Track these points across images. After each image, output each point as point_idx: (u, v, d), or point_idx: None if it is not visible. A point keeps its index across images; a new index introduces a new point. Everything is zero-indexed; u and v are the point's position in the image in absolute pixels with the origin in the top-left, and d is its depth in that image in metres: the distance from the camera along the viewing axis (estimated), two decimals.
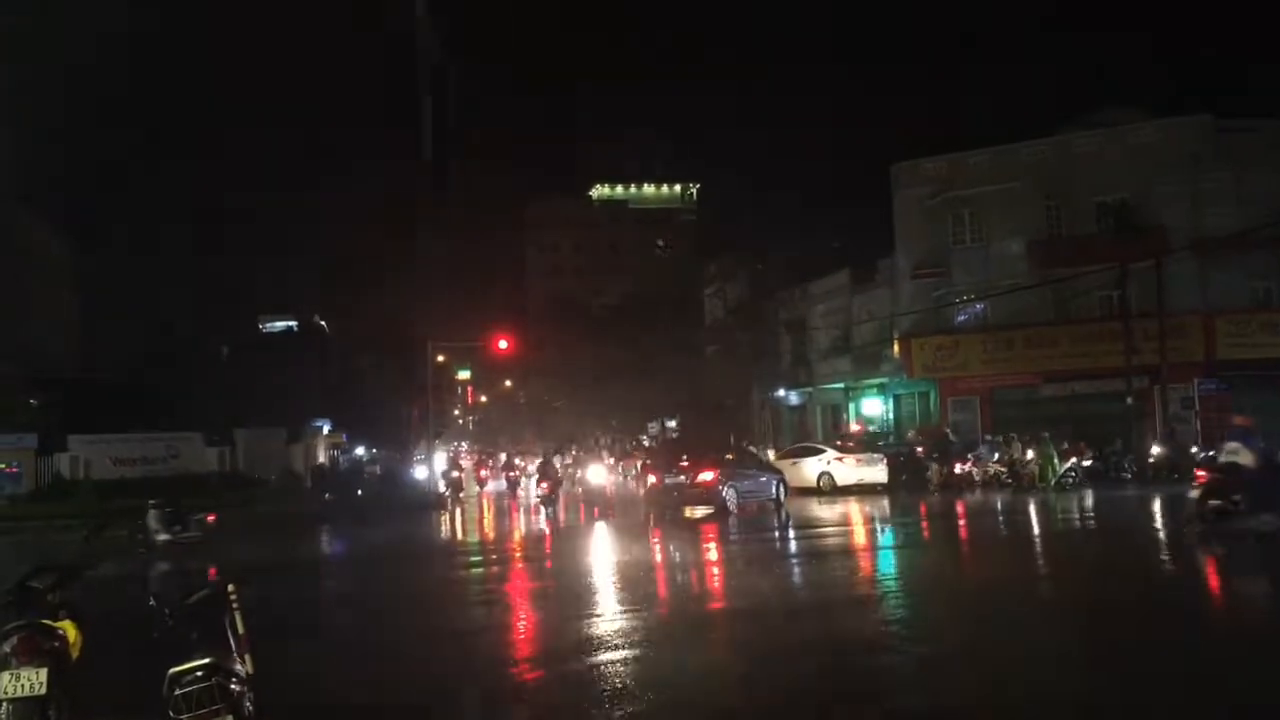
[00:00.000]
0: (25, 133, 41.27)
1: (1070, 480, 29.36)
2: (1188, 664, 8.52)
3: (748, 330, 52.19)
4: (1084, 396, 36.03)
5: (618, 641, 9.90)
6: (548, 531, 22.95)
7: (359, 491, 40.29)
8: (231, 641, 5.69)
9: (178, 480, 34.14)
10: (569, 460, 48.17)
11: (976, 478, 30.85)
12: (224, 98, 47.34)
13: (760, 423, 54.96)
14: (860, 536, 20.49)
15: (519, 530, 25.28)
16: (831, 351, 46.99)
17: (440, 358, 55.51)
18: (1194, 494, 16.61)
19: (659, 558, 17.56)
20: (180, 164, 45.00)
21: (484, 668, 9.34)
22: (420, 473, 46.05)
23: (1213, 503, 16.02)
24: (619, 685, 8.15)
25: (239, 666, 5.52)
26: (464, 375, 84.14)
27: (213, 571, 6.14)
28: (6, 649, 5.70)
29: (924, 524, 22.72)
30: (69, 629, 6.12)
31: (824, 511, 25.08)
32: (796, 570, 16.22)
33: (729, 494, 24.84)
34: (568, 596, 13.23)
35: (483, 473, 46.59)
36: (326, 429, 53.25)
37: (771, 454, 36.66)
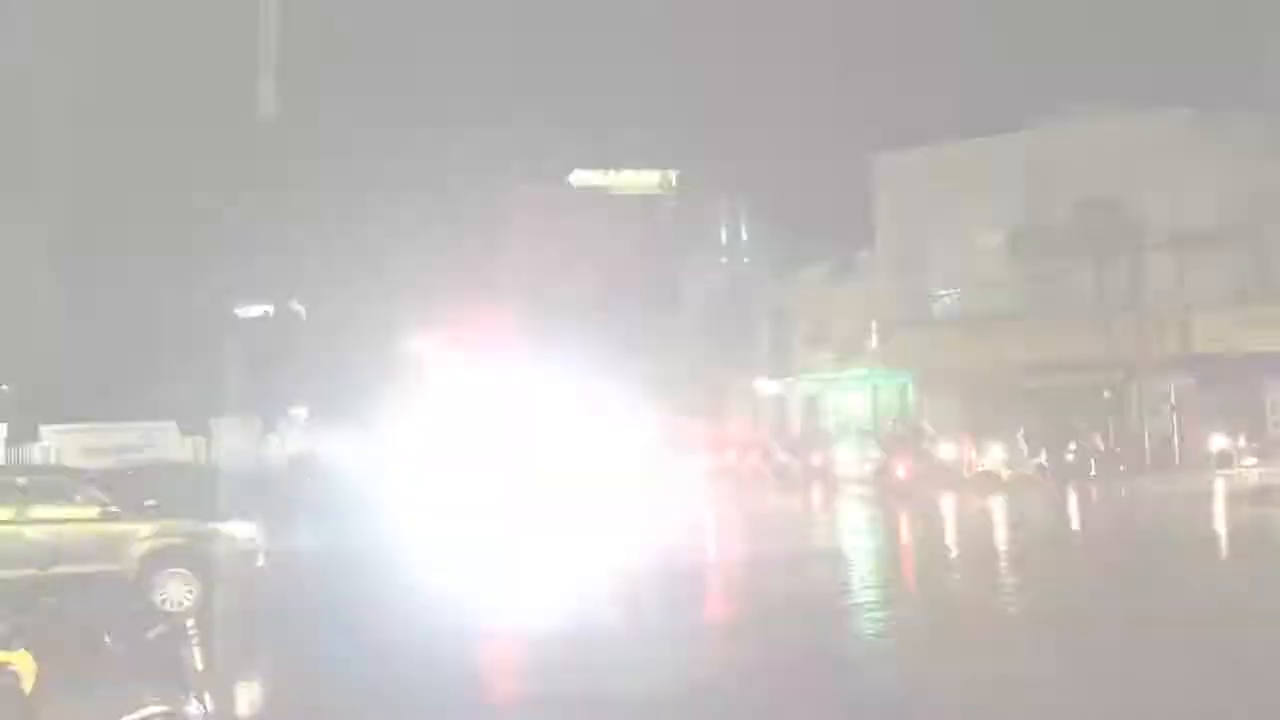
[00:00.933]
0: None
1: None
2: None
3: (727, 319, 52.11)
4: (1061, 389, 36.05)
5: None
6: None
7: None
8: (190, 679, 5.53)
9: (152, 470, 33.86)
10: None
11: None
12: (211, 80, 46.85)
13: (740, 413, 54.86)
14: None
15: None
16: (811, 343, 46.94)
17: (420, 343, 55.35)
18: None
19: None
20: (154, 148, 44.55)
21: None
22: None
23: None
24: None
25: (196, 706, 5.35)
26: (443, 360, 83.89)
27: None
28: None
29: None
30: (23, 660, 5.92)
31: None
32: None
33: None
34: None
35: None
36: (304, 417, 52.97)
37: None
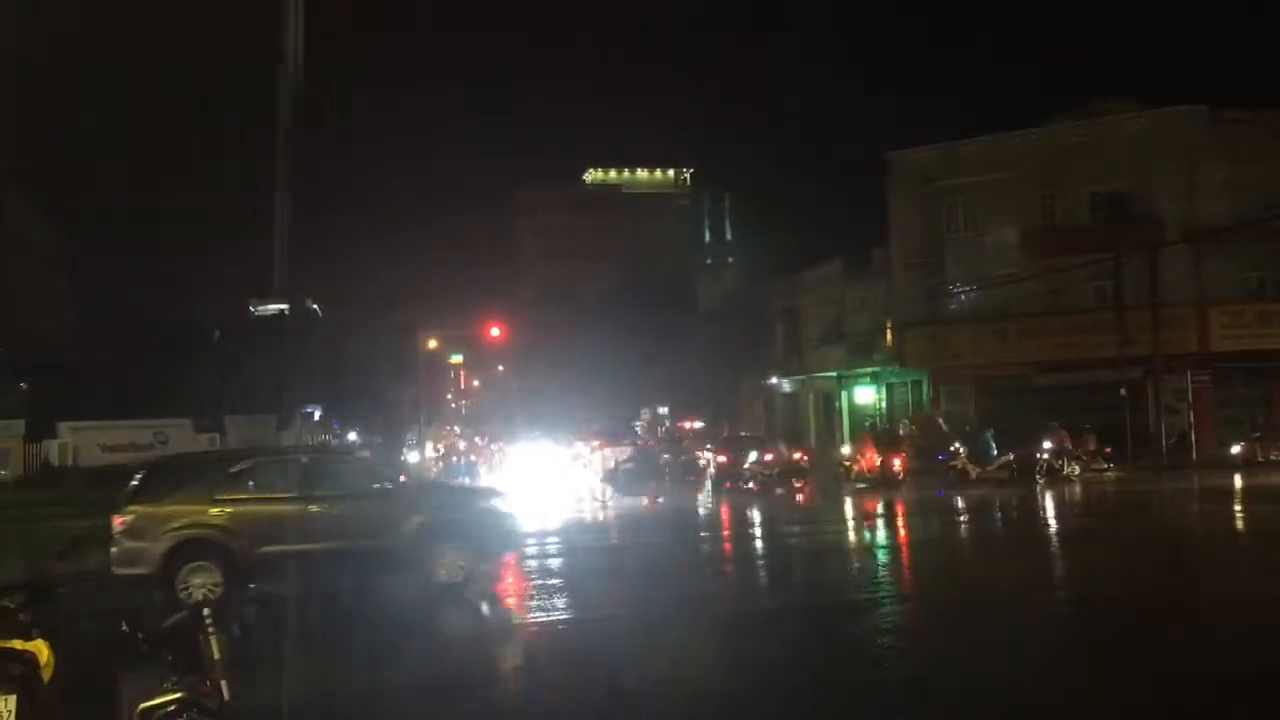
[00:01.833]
0: (18, 117, 41.08)
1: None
2: None
3: (740, 317, 52.13)
4: (1076, 387, 35.92)
5: None
6: None
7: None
8: (207, 667, 5.55)
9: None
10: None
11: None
12: (220, 84, 46.98)
13: (752, 411, 54.92)
14: None
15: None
16: (824, 340, 46.92)
17: (433, 343, 55.42)
18: None
19: None
20: (172, 149, 44.67)
21: None
22: (413, 457, 46.01)
23: None
24: None
25: (213, 696, 5.38)
26: (456, 360, 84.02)
27: None
28: None
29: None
30: (42, 650, 5.96)
31: None
32: None
33: None
34: None
35: (472, 457, 46.52)
36: (318, 415, 53.09)
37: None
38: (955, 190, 39.67)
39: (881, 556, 17.33)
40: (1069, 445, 28.86)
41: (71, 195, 42.21)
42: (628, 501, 28.51)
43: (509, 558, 15.83)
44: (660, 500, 28.57)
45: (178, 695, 5.10)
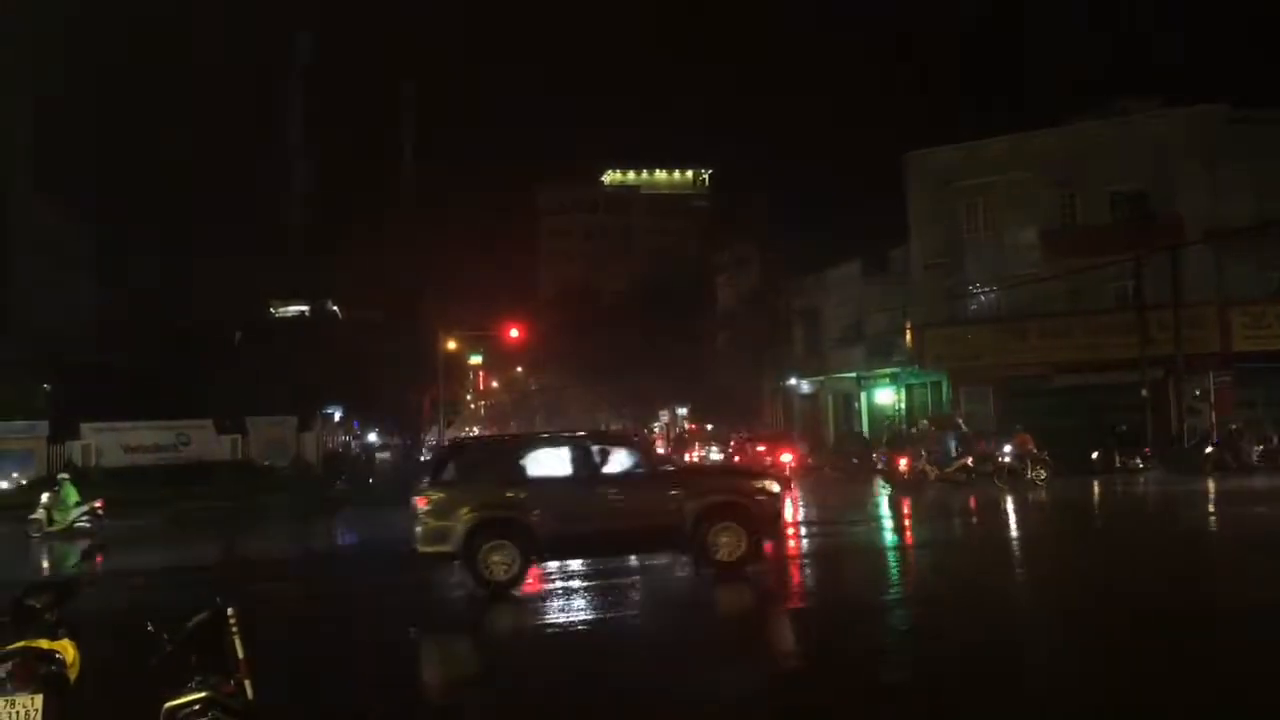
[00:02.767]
0: (41, 120, 41.44)
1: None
2: None
3: (760, 318, 52.10)
4: (1097, 387, 35.75)
5: None
6: None
7: (370, 479, 40.45)
8: (231, 666, 5.61)
9: (189, 468, 34.31)
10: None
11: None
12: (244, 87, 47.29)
13: (772, 411, 54.88)
14: None
15: None
16: (843, 341, 46.84)
17: (452, 344, 55.59)
18: None
19: None
20: (197, 151, 45.01)
21: None
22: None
23: None
24: None
25: (238, 694, 5.44)
26: (476, 360, 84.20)
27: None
28: (2, 674, 5.63)
29: None
30: (67, 649, 6.04)
31: None
32: None
33: None
34: None
35: None
36: (338, 416, 53.30)
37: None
38: (975, 190, 39.54)
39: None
40: (1032, 449, 28.79)
41: (95, 196, 42.43)
42: None
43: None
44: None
45: (202, 694, 5.17)
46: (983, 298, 39.77)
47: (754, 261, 55.64)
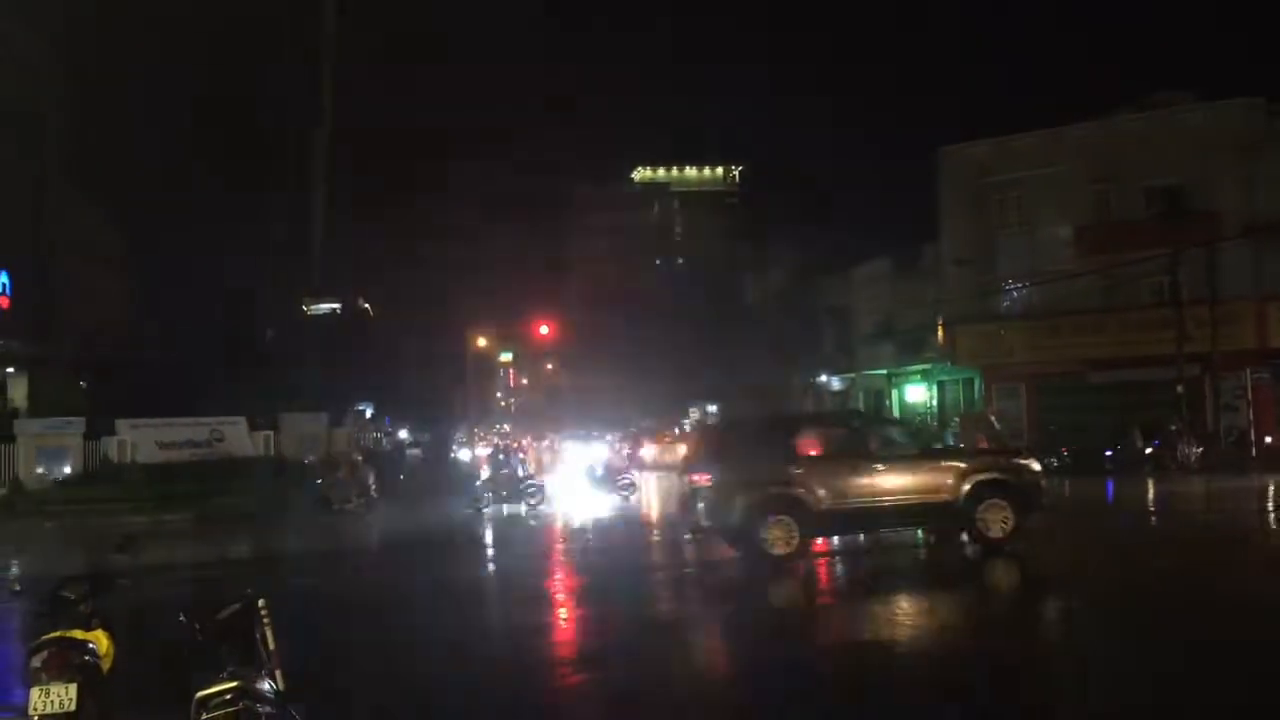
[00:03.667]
0: (76, 118, 41.87)
1: None
2: None
3: (789, 315, 51.95)
4: (1132, 385, 35.38)
5: None
6: None
7: (401, 476, 40.65)
8: (263, 657, 5.65)
9: (222, 464, 34.55)
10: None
11: None
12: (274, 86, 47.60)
13: (802, 408, 54.69)
14: None
15: None
16: (874, 337, 46.60)
17: (482, 341, 55.86)
18: None
19: None
20: (227, 149, 45.29)
21: None
22: (463, 455, 46.40)
23: None
24: None
25: (268, 685, 5.47)
26: (506, 358, 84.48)
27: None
28: (37, 663, 5.70)
29: None
30: (101, 640, 6.11)
31: None
32: None
33: None
34: None
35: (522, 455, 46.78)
36: (369, 413, 53.61)
37: None
38: (1007, 185, 39.22)
39: None
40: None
41: (129, 196, 42.80)
42: None
43: None
44: None
45: (233, 684, 5.20)
46: (1015, 294, 39.45)
47: (784, 258, 55.46)
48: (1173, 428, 32.01)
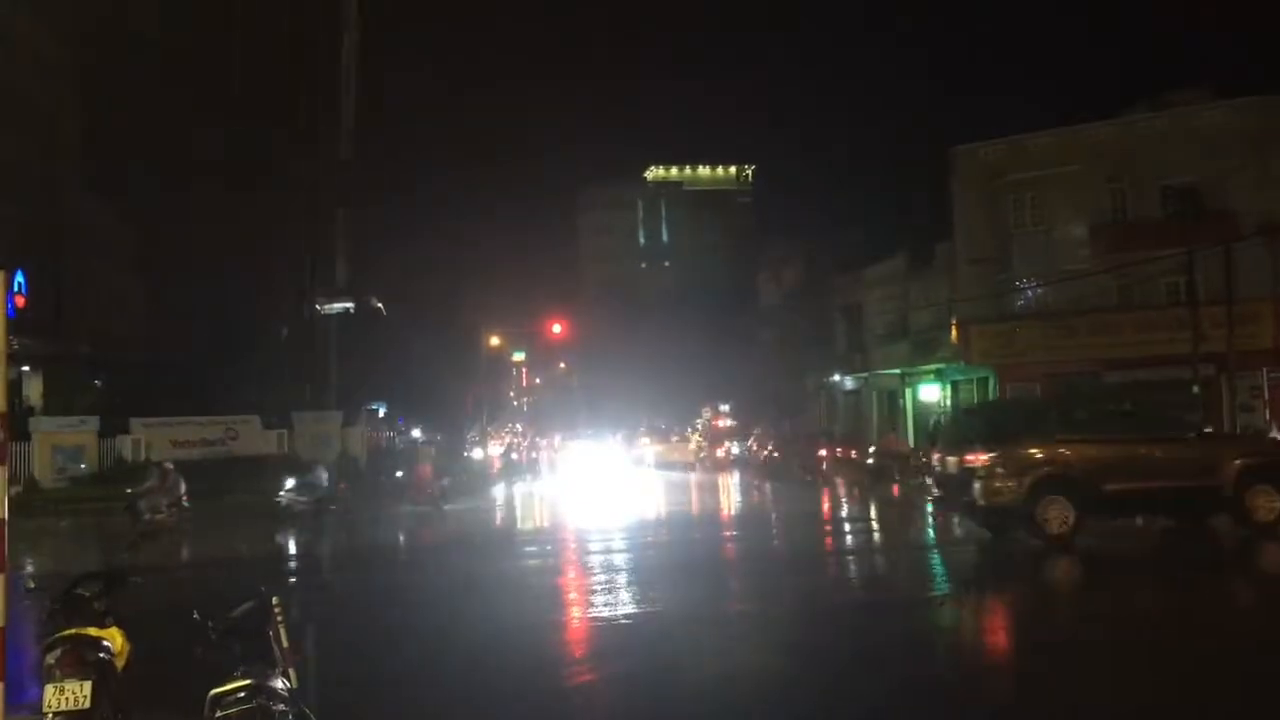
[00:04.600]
0: (91, 116, 42.08)
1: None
2: None
3: (802, 314, 51.87)
4: (1147, 384, 35.17)
5: None
6: None
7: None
8: (276, 654, 5.64)
9: (236, 462, 34.68)
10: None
11: None
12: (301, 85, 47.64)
13: (816, 408, 54.62)
14: None
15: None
16: (887, 337, 46.49)
17: (495, 340, 55.83)
18: None
19: None
20: (240, 148, 45.37)
21: None
22: (476, 454, 46.46)
23: None
24: None
25: (282, 682, 5.47)
26: (519, 358, 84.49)
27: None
28: (51, 660, 5.71)
29: None
30: (116, 637, 6.11)
31: None
32: None
33: None
34: None
35: (533, 454, 46.92)
36: (382, 412, 53.63)
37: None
38: (1022, 184, 39.08)
39: None
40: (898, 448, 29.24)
41: (144, 194, 42.94)
42: None
43: None
44: None
45: (247, 682, 5.20)
46: (1030, 294, 39.31)
47: (796, 257, 55.37)
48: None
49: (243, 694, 5.13)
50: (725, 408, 64.09)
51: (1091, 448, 15.28)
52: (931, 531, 19.49)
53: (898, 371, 46.27)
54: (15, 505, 27.91)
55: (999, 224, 39.63)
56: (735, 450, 47.87)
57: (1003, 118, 41.92)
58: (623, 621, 11.39)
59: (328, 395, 40.72)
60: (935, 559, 16.47)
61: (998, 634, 10.73)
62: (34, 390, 37.46)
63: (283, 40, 45.32)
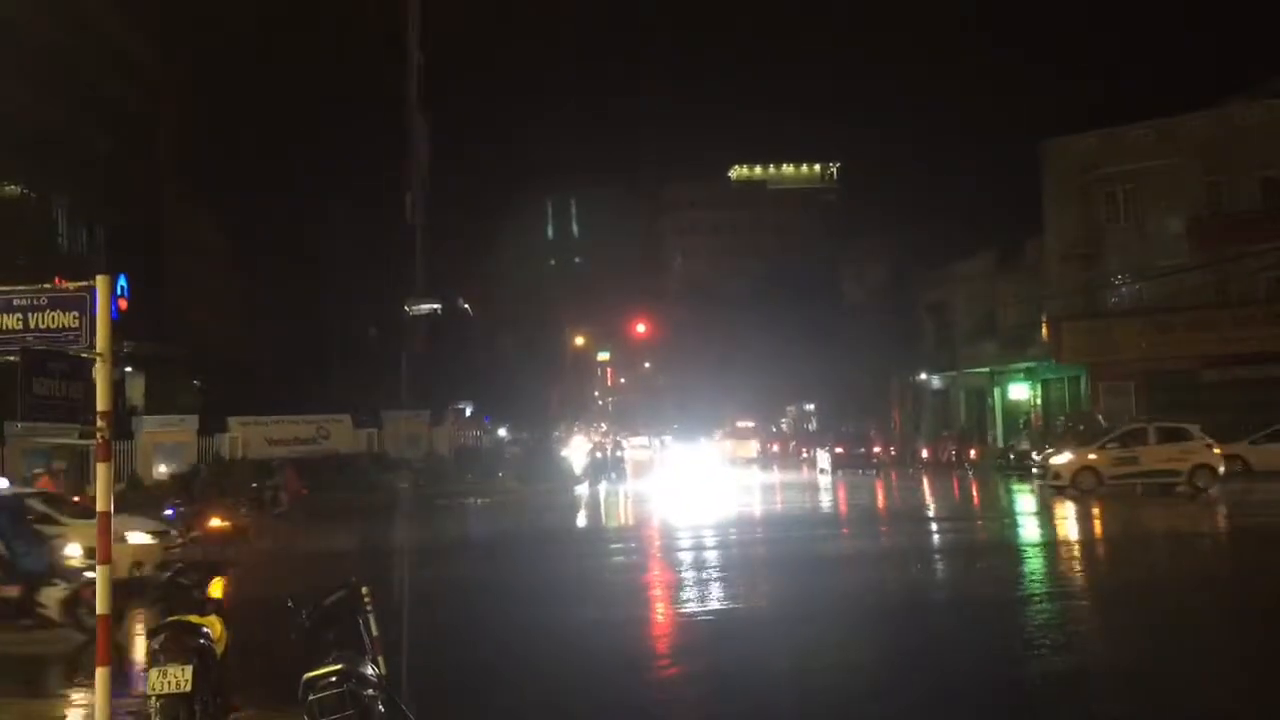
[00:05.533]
0: (188, 125, 43.36)
1: None
2: None
3: (888, 313, 51.32)
4: (1247, 382, 34.14)
5: None
6: None
7: (500, 473, 41.25)
8: (365, 643, 5.83)
9: (328, 459, 35.52)
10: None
11: None
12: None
13: (902, 407, 54.03)
14: None
15: None
16: (976, 335, 45.76)
17: (580, 340, 56.28)
18: None
19: None
20: (331, 153, 46.29)
21: None
22: (565, 452, 46.85)
23: None
24: None
25: (371, 669, 5.65)
26: (604, 357, 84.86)
27: None
28: (155, 646, 6.00)
29: None
30: (214, 624, 6.37)
31: None
32: None
33: None
34: None
35: (619, 454, 47.06)
36: (469, 411, 54.30)
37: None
38: (1116, 178, 38.21)
39: None
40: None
41: (237, 199, 44.09)
42: None
43: None
44: None
45: (338, 667, 5.39)
46: (1124, 290, 38.40)
47: (882, 255, 54.80)
48: None
49: (334, 678, 5.32)
50: (810, 407, 63.72)
51: None
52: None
53: (986, 370, 45.54)
54: (119, 501, 29.15)
55: (1091, 219, 38.81)
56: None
57: (1093, 110, 40.84)
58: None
59: (416, 395, 41.38)
60: None
61: None
62: (136, 391, 38.68)
63: (362, 37, 46.07)
